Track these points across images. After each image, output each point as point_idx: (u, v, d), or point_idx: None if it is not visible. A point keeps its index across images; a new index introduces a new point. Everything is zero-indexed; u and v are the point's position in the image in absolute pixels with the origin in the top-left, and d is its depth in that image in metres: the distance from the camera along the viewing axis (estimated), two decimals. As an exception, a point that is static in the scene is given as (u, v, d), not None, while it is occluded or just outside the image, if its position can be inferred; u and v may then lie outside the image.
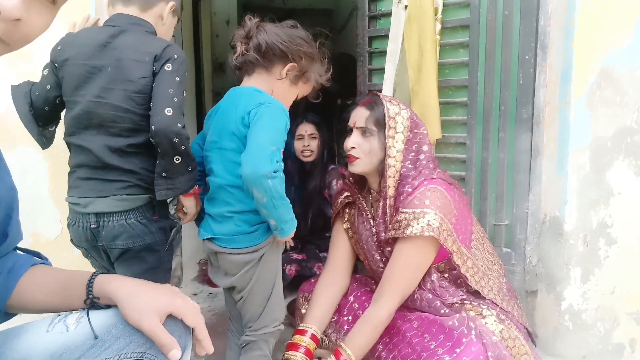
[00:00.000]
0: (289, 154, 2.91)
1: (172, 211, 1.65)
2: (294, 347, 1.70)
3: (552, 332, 1.89)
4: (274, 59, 1.45)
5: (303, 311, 1.88)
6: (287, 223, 1.40)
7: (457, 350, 1.43)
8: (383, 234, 1.67)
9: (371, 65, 2.38)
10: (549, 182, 1.90)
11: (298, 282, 2.21)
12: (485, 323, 1.55)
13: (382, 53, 2.22)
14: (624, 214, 1.82)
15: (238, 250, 1.44)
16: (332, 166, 2.75)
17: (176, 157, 1.36)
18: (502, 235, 2.02)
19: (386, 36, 2.16)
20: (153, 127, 1.33)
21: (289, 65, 1.47)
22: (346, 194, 1.84)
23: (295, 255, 2.67)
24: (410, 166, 1.62)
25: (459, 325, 1.48)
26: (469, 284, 1.60)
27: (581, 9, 1.71)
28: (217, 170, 1.45)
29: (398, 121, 1.62)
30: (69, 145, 1.47)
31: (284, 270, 2.58)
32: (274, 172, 1.29)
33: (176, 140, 1.33)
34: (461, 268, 1.59)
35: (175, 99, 1.35)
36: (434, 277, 1.62)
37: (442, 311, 1.55)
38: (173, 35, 1.80)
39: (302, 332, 1.73)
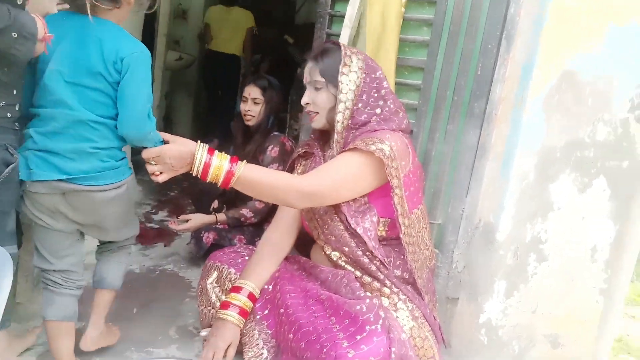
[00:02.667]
0: (235, 113, 2.73)
1: None
2: (226, 306, 1.54)
3: (466, 345, 1.77)
4: None
5: (208, 282, 1.69)
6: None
7: (358, 337, 1.30)
8: None
9: (330, 29, 2.17)
10: (489, 185, 1.75)
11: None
12: (397, 317, 1.44)
13: (344, 18, 2.00)
14: (560, 232, 1.70)
15: (105, 187, 1.39)
16: (275, 133, 2.56)
17: None
18: (432, 235, 1.88)
19: (352, -1, 1.95)
20: None
21: None
22: (305, 149, 1.75)
23: (216, 223, 2.47)
24: (370, 111, 1.53)
25: (366, 311, 1.35)
26: (407, 258, 1.51)
27: (555, 0, 1.55)
28: (73, 105, 1.34)
29: (351, 63, 1.54)
30: None
31: (200, 238, 2.40)
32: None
33: None
34: (403, 232, 1.48)
35: None
36: (374, 218, 1.52)
37: (358, 293, 1.44)
38: None
39: (237, 290, 1.56)
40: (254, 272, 1.61)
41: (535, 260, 1.71)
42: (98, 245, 1.62)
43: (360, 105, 1.52)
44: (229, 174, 1.37)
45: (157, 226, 2.99)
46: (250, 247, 1.83)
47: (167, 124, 4.92)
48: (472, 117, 1.79)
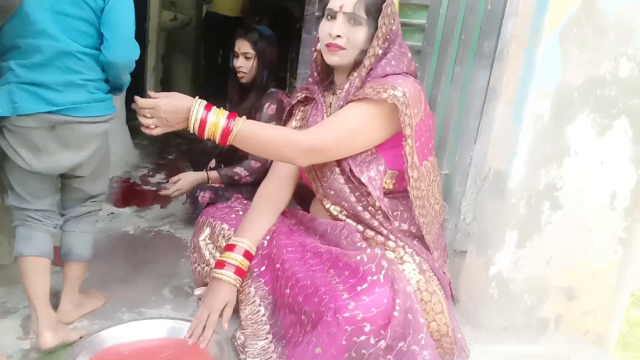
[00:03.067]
0: (229, 69, 2.59)
1: None
2: (221, 265, 1.44)
3: (475, 299, 1.68)
4: None
5: (200, 238, 1.59)
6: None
7: (359, 288, 1.21)
8: None
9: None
10: (501, 131, 1.63)
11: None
12: (403, 270, 1.35)
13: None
14: (576, 178, 1.58)
15: (94, 119, 1.37)
16: (273, 89, 2.42)
17: None
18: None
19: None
20: None
21: None
22: (304, 94, 1.58)
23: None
24: (385, 59, 1.41)
25: (367, 261, 1.25)
26: (414, 212, 1.40)
27: None
28: (56, 35, 1.29)
29: (392, 4, 1.39)
30: None
31: (196, 197, 2.30)
32: None
33: None
34: (411, 185, 1.37)
35: None
36: (381, 167, 1.41)
37: (359, 244, 1.35)
38: None
39: (232, 247, 1.46)
40: (250, 229, 1.51)
41: (549, 208, 1.59)
42: (62, 215, 1.52)
43: (380, 52, 1.40)
44: (226, 131, 1.28)
45: (154, 188, 2.89)
46: (245, 202, 1.72)
47: (165, 88, 4.79)
48: (481, 57, 1.65)
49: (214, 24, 4.68)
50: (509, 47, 1.59)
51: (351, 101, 1.38)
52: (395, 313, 1.16)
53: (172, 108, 1.26)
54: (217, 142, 1.29)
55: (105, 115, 1.40)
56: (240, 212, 1.62)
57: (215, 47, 4.88)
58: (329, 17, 1.39)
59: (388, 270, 1.23)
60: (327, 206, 1.50)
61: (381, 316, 1.16)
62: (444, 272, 1.47)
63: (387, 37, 1.39)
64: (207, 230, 1.60)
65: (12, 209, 1.44)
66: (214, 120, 1.27)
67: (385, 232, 1.43)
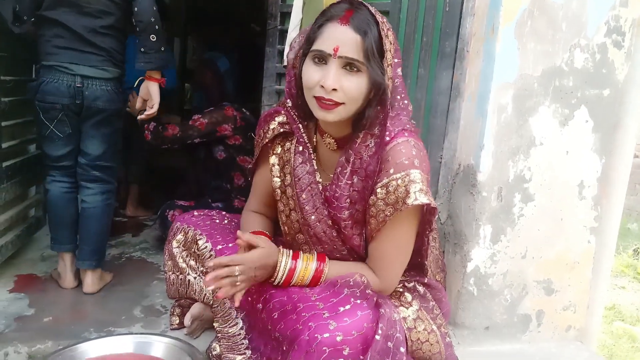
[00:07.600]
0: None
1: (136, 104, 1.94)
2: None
3: (454, 298, 1.65)
4: None
5: (174, 246, 1.50)
6: None
7: (341, 309, 1.12)
8: (345, 197, 1.26)
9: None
10: (466, 127, 1.65)
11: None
12: (407, 316, 1.27)
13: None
14: (544, 169, 1.60)
15: None
16: (225, 103, 2.38)
17: (152, 35, 1.72)
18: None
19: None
20: (136, 8, 1.69)
21: None
22: (281, 118, 1.32)
23: (181, 202, 2.32)
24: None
25: (353, 285, 1.19)
26: (425, 262, 1.35)
27: None
28: None
29: (391, 45, 1.16)
30: (42, 18, 1.70)
31: (165, 217, 2.24)
32: None
33: (152, 19, 1.70)
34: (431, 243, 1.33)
35: None
36: None
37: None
38: None
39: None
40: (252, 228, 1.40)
41: (520, 200, 1.60)
42: None
43: (389, 110, 1.20)
44: (318, 273, 1.25)
45: (126, 219, 2.83)
46: (224, 213, 1.65)
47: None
48: (443, 57, 1.69)
49: None
50: (469, 45, 1.63)
51: (389, 220, 1.20)
52: (377, 337, 1.09)
53: (261, 263, 1.19)
54: (305, 284, 1.24)
55: None
56: (217, 220, 1.53)
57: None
58: (317, 59, 1.13)
59: (372, 297, 1.17)
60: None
61: (361, 340, 1.09)
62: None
63: (395, 85, 1.21)
64: (180, 237, 1.51)
65: None
66: (304, 267, 1.24)
67: None
